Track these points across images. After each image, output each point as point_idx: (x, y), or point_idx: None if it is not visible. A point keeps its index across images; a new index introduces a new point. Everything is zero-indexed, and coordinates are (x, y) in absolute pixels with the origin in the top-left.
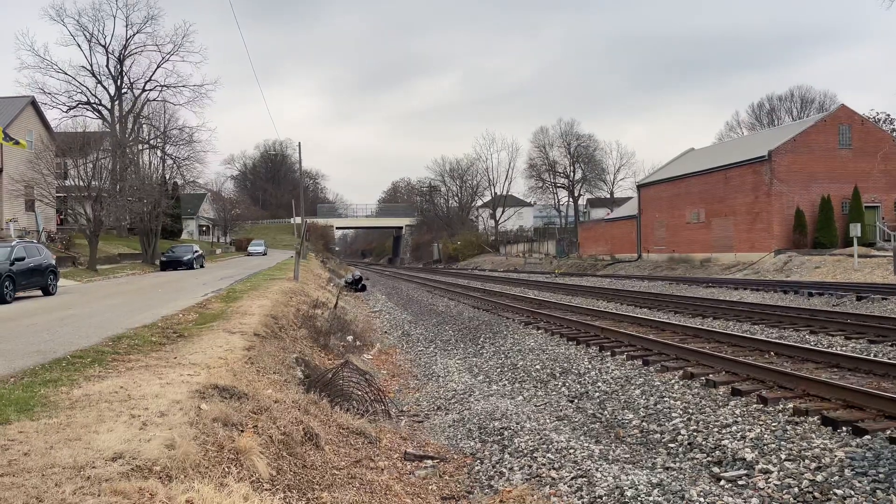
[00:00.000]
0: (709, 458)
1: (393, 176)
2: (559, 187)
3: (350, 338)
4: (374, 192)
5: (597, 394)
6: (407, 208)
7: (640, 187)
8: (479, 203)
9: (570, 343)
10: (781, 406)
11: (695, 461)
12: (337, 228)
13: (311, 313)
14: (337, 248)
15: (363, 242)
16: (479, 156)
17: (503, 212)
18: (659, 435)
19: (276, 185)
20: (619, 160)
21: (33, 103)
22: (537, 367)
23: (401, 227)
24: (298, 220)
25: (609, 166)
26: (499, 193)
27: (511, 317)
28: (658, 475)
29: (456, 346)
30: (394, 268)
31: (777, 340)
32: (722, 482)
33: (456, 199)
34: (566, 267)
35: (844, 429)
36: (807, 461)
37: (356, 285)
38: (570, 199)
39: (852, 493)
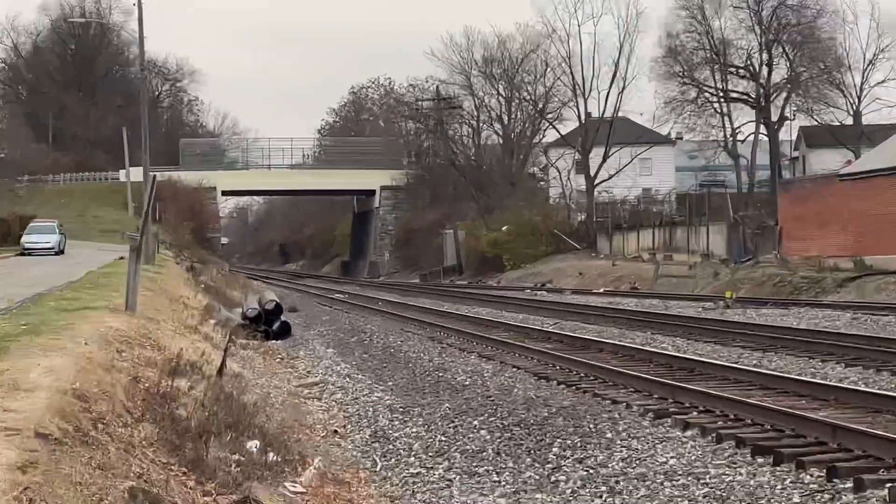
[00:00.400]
0: None
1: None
2: (735, 101)
3: (254, 445)
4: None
5: None
6: (385, 150)
7: None
8: (547, 139)
9: (762, 461)
10: None
11: None
12: (226, 195)
13: (166, 388)
14: (226, 241)
15: (286, 228)
16: (548, 31)
17: (605, 158)
18: None
19: (87, 99)
20: (878, 41)
21: None
22: None
23: (371, 192)
24: (136, 175)
25: (851, 55)
26: (594, 116)
27: (622, 396)
28: None
29: (496, 465)
30: (355, 284)
31: None
32: None
33: (497, 124)
34: (751, 286)
35: None
36: None
37: (268, 324)
38: (760, 128)
39: None
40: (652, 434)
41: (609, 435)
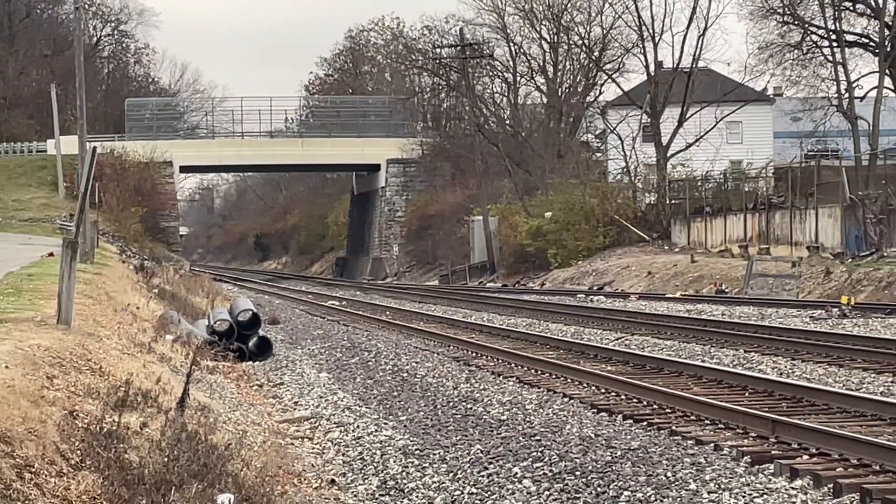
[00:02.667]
0: None
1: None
2: (852, 45)
3: (227, 499)
4: (300, 70)
5: None
6: (393, 113)
7: None
8: (606, 96)
9: None
10: None
11: None
12: (186, 171)
13: (111, 425)
14: (186, 232)
15: (263, 215)
16: None
17: (681, 122)
18: None
19: (4, 47)
20: None
21: None
22: None
23: (374, 167)
24: (69, 146)
25: None
26: (666, 67)
27: (708, 434)
28: None
29: None
30: (355, 287)
31: None
32: None
33: (540, 77)
34: (874, 288)
35: None
36: None
37: (242, 340)
38: (886, 81)
39: None
40: (749, 485)
41: (693, 486)
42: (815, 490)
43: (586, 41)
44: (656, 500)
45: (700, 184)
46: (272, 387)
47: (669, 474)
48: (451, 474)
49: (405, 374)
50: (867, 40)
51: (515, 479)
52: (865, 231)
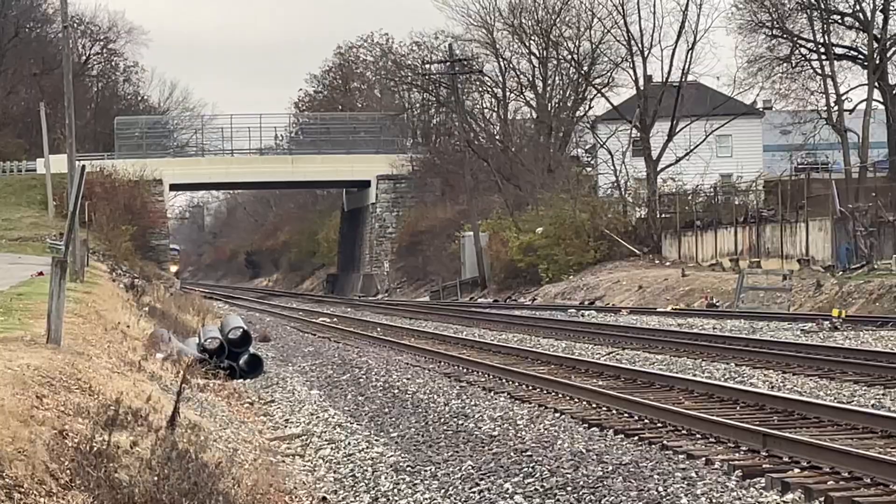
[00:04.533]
0: None
1: (348, 30)
2: (841, 58)
3: None
4: (289, 87)
5: None
6: (382, 129)
7: None
8: (595, 111)
9: None
10: None
11: None
12: (176, 189)
13: (101, 444)
14: (177, 250)
15: (254, 232)
16: None
17: (671, 136)
18: None
19: None
20: None
21: None
22: None
23: (364, 184)
24: (58, 164)
25: None
26: (655, 81)
27: (699, 448)
28: None
29: None
30: (346, 304)
31: None
32: None
33: (530, 92)
34: (865, 301)
35: None
36: None
37: (233, 358)
38: (875, 94)
39: None
40: (740, 499)
41: (684, 500)
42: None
43: (575, 56)
44: None
45: (690, 198)
46: (263, 404)
47: (661, 489)
48: (442, 491)
49: (396, 391)
50: (856, 53)
51: (507, 495)
52: (856, 244)
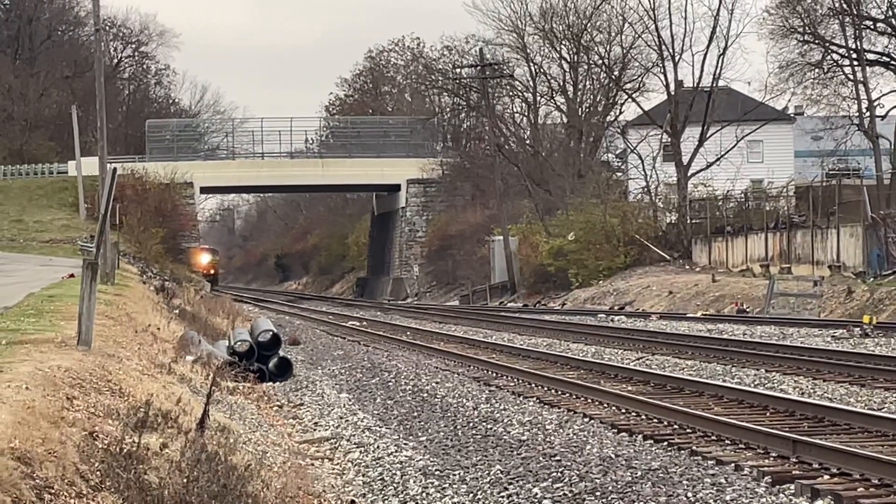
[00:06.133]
0: None
1: (379, 34)
2: (873, 64)
3: None
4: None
5: None
6: (413, 133)
7: None
8: (626, 116)
9: None
10: None
11: None
12: (206, 192)
13: (131, 446)
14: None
15: (284, 236)
16: None
17: (701, 141)
18: None
19: (25, 68)
20: None
21: None
22: None
23: (394, 188)
24: (89, 167)
25: None
26: (686, 85)
27: (728, 454)
28: None
29: None
30: (375, 308)
31: None
32: None
33: (560, 97)
34: None
35: None
36: None
37: (263, 361)
38: None
39: None
40: None
41: None
42: None
43: (606, 61)
44: None
45: (721, 203)
46: (292, 407)
47: (690, 495)
48: (471, 495)
49: (425, 395)
50: (888, 59)
51: (536, 500)
52: (887, 250)
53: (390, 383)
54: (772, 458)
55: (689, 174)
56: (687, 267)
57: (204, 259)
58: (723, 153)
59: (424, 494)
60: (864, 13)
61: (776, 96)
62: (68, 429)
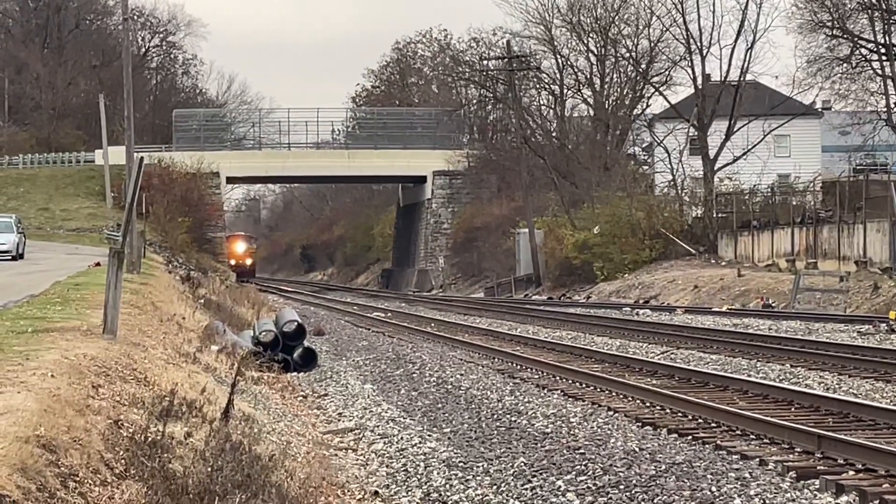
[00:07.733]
0: None
1: (406, 25)
2: None
3: None
4: (346, 82)
5: None
6: (439, 125)
7: None
8: (653, 109)
9: None
10: None
11: None
12: (233, 182)
13: (156, 435)
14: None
15: (310, 227)
16: None
17: (728, 135)
18: None
19: (53, 58)
20: None
21: None
22: None
23: (420, 179)
24: (116, 156)
25: None
26: (713, 79)
27: (753, 449)
28: None
29: None
30: (400, 299)
31: None
32: None
33: (587, 90)
34: None
35: None
36: None
37: (287, 352)
38: None
39: None
40: (794, 500)
41: (737, 501)
42: None
43: (633, 54)
44: None
45: (747, 197)
46: (316, 398)
47: (714, 489)
48: (494, 487)
49: (449, 386)
50: (884, 53)
51: (559, 493)
52: None
53: (414, 374)
54: (797, 454)
55: (715, 168)
56: (712, 261)
57: (239, 248)
58: (749, 147)
59: (448, 486)
60: (894, 8)
61: (804, 91)
62: (93, 417)
